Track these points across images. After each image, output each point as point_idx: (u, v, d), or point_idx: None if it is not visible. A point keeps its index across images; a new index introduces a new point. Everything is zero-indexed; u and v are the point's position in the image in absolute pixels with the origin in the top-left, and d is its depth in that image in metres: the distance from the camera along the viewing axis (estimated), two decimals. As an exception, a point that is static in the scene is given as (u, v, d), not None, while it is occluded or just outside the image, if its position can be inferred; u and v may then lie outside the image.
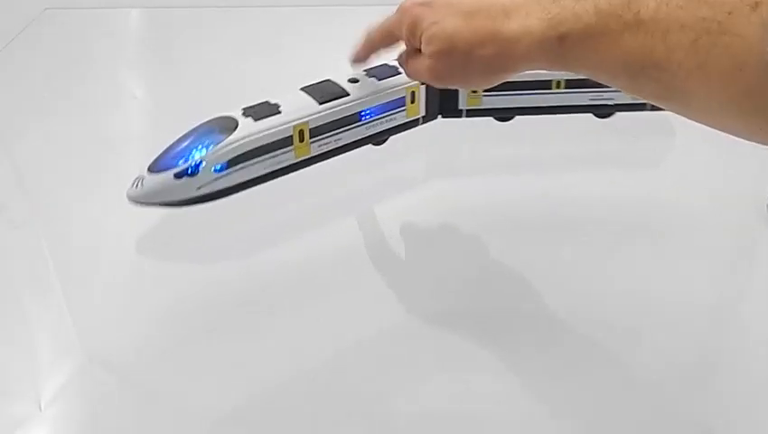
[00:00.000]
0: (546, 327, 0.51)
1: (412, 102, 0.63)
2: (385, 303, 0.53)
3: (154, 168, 0.55)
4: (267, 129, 0.56)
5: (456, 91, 0.65)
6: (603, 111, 0.68)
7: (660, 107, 0.41)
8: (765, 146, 0.36)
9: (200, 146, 0.55)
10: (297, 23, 0.95)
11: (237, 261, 0.57)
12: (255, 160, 0.56)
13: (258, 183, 0.57)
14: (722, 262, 0.58)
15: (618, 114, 0.68)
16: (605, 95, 0.66)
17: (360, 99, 0.60)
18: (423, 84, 0.62)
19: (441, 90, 0.64)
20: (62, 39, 0.93)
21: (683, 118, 0.40)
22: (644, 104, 0.65)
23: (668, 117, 0.58)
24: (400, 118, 0.63)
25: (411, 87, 0.62)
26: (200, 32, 0.95)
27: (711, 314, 0.53)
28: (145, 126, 0.79)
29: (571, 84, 0.65)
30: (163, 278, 0.56)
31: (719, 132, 0.38)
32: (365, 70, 0.62)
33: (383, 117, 0.62)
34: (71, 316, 0.53)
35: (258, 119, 0.57)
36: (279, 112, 0.57)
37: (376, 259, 0.59)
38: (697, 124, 0.39)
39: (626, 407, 0.46)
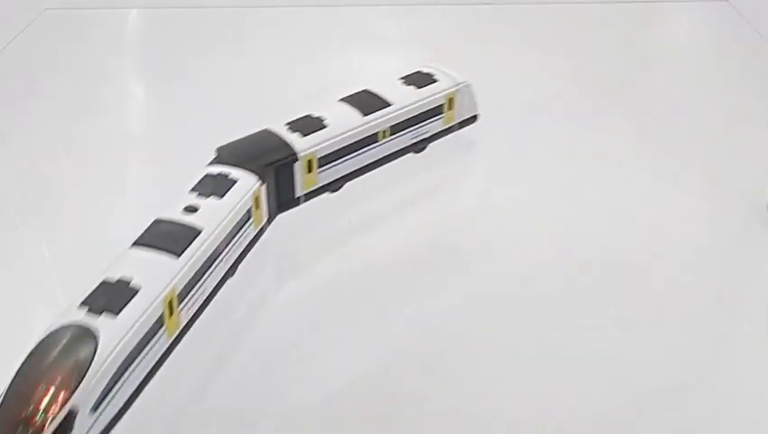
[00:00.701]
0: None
1: (257, 208, 0.54)
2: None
3: None
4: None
5: (291, 176, 0.57)
6: (420, 146, 0.65)
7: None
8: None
9: None
10: (298, 24, 0.95)
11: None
12: None
13: None
14: (722, 262, 0.58)
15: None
16: (423, 129, 0.64)
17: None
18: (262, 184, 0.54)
19: (276, 183, 0.56)
20: (62, 39, 0.93)
21: None
22: (451, 127, 0.66)
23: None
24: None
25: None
26: (200, 32, 0.94)
27: (711, 314, 0.53)
28: (145, 126, 0.79)
29: (395, 129, 0.62)
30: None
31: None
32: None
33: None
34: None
35: None
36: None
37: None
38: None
39: (626, 407, 0.46)
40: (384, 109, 0.61)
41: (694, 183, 0.65)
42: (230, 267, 0.52)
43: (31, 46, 0.90)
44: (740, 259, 0.59)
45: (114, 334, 0.41)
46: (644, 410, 0.46)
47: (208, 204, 0.50)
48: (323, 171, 0.58)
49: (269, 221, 0.56)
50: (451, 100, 0.65)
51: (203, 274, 0.48)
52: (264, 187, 0.54)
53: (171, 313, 0.45)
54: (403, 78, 0.65)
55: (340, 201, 0.60)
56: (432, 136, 0.65)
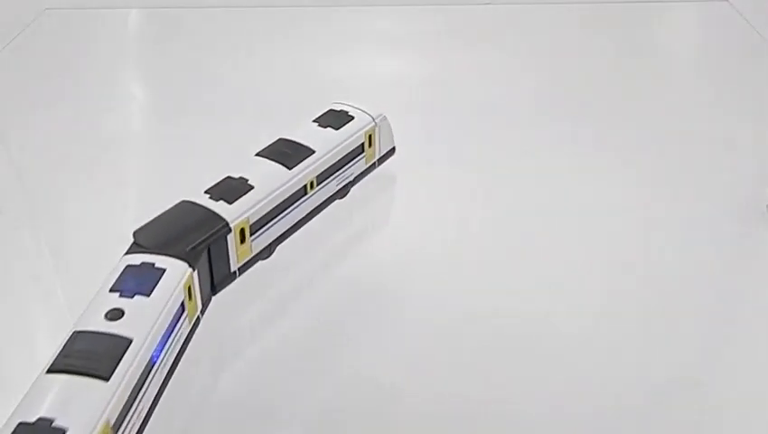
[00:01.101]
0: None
1: (189, 299, 0.46)
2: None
3: None
4: None
5: (225, 250, 0.49)
6: (344, 192, 0.60)
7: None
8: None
9: None
10: (298, 24, 0.95)
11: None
12: None
13: None
14: (722, 262, 0.58)
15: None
16: (347, 172, 0.59)
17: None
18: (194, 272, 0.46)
19: (209, 262, 0.48)
20: (62, 39, 0.93)
21: None
22: (373, 165, 0.61)
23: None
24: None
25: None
26: (199, 32, 0.95)
27: (711, 314, 0.53)
28: (145, 126, 0.79)
29: (321, 177, 0.56)
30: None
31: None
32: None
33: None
34: (71, 315, 0.53)
35: None
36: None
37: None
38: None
39: (626, 408, 0.46)
40: (308, 159, 0.55)
41: (693, 183, 0.65)
42: (164, 378, 0.43)
43: (31, 46, 0.90)
44: (740, 259, 0.59)
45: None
46: (644, 409, 0.46)
47: (133, 305, 0.42)
48: (256, 238, 0.52)
49: (203, 310, 0.48)
50: (370, 137, 0.60)
51: (136, 397, 0.40)
52: (196, 274, 0.46)
53: None
54: (316, 120, 0.60)
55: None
56: (356, 177, 0.60)
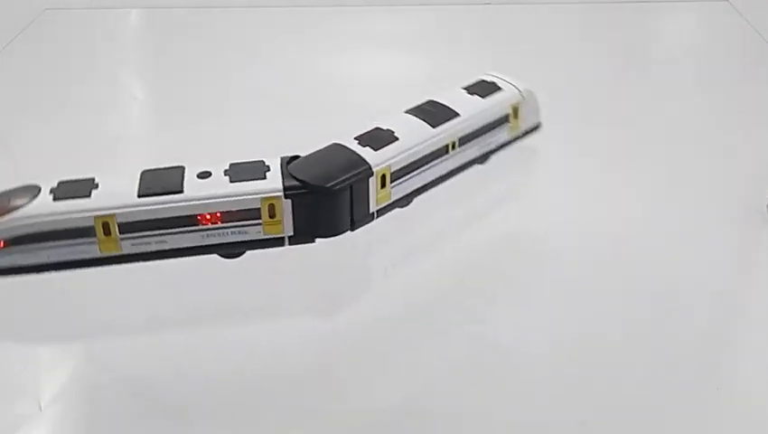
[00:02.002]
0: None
1: (271, 217, 0.52)
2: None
3: None
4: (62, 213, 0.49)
5: (367, 193, 0.54)
6: (484, 158, 0.63)
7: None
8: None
9: None
10: (299, 24, 0.95)
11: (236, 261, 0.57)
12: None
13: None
14: (722, 262, 0.58)
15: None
16: (489, 139, 0.62)
17: (195, 199, 0.50)
18: (288, 196, 0.51)
19: (351, 199, 0.53)
20: (62, 39, 0.93)
21: None
22: (516, 137, 0.64)
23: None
24: (254, 234, 0.52)
25: (268, 197, 0.51)
26: (199, 32, 0.95)
27: (712, 314, 0.53)
28: (145, 126, 0.79)
29: (463, 140, 0.60)
30: (163, 278, 0.56)
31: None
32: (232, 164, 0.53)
33: (228, 227, 0.52)
34: (71, 315, 0.53)
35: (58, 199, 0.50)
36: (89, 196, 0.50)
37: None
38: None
39: (626, 408, 0.46)
40: (452, 120, 0.59)
41: (693, 184, 0.65)
42: (216, 245, 0.52)
43: (31, 46, 0.90)
44: (740, 259, 0.59)
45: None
46: (644, 409, 0.46)
47: (220, 179, 0.52)
48: (396, 185, 0.56)
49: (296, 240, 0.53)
50: (516, 110, 0.63)
51: (165, 226, 0.50)
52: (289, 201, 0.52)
53: (106, 233, 0.49)
54: (466, 87, 0.63)
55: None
56: (498, 146, 0.63)
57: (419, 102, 0.61)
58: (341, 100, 0.77)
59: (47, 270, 0.51)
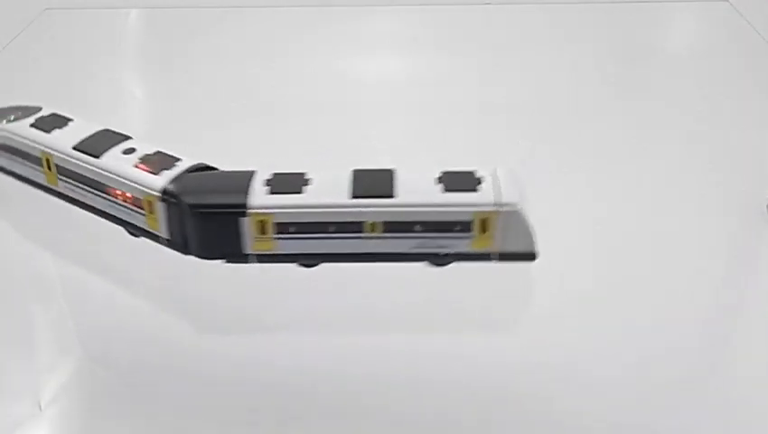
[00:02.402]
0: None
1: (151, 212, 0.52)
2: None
3: None
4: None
5: (237, 231, 0.50)
6: (438, 260, 0.52)
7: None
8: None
9: None
10: (299, 24, 0.95)
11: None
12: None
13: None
14: (722, 262, 0.58)
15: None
16: (440, 242, 0.50)
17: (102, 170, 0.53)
18: (163, 200, 0.51)
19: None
20: (62, 39, 0.93)
21: None
22: (488, 254, 0.51)
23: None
24: (140, 223, 0.53)
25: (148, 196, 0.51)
26: (199, 32, 0.94)
27: (712, 314, 0.53)
28: (145, 126, 0.79)
29: (390, 226, 0.50)
30: (163, 278, 0.56)
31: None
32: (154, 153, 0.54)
33: (125, 208, 0.53)
34: (71, 316, 0.53)
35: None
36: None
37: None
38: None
39: (626, 407, 0.46)
40: (378, 199, 0.50)
41: (694, 183, 0.65)
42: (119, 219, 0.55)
43: (31, 46, 0.90)
44: (740, 259, 0.59)
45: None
46: (643, 408, 0.46)
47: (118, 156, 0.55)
48: (289, 240, 0.50)
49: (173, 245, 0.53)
50: (484, 222, 0.50)
51: (87, 184, 0.54)
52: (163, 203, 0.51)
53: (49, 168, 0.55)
54: (443, 172, 0.52)
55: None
56: (456, 255, 0.51)
57: (378, 167, 0.52)
58: (341, 101, 0.77)
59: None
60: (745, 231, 0.60)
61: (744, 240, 0.60)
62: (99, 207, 0.55)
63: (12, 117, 0.59)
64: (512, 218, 0.49)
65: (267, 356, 0.50)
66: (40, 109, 0.60)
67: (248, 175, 0.51)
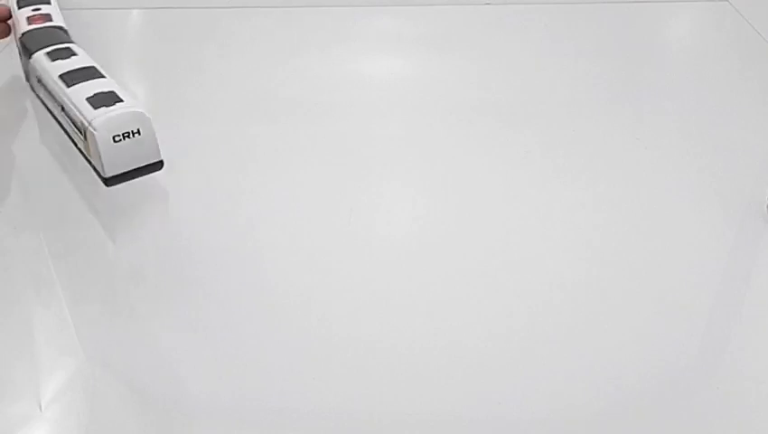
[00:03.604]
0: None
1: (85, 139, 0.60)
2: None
3: None
4: None
5: None
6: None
7: None
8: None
9: None
10: (299, 24, 0.95)
11: (239, 257, 0.57)
12: None
13: None
14: (722, 262, 0.58)
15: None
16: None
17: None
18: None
19: None
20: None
21: None
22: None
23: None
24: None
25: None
26: (200, 32, 0.94)
27: (712, 314, 0.53)
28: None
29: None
30: (163, 278, 0.56)
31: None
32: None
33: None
34: (71, 315, 0.53)
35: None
36: None
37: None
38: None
39: (627, 406, 0.46)
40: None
41: (694, 183, 0.65)
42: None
43: (31, 46, 0.90)
44: (740, 259, 0.59)
45: None
46: (644, 408, 0.46)
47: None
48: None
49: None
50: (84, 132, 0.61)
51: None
52: None
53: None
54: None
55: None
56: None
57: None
58: (342, 101, 0.77)
59: None
60: (745, 231, 0.60)
61: (744, 240, 0.60)
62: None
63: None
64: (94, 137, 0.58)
65: (268, 355, 0.50)
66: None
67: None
